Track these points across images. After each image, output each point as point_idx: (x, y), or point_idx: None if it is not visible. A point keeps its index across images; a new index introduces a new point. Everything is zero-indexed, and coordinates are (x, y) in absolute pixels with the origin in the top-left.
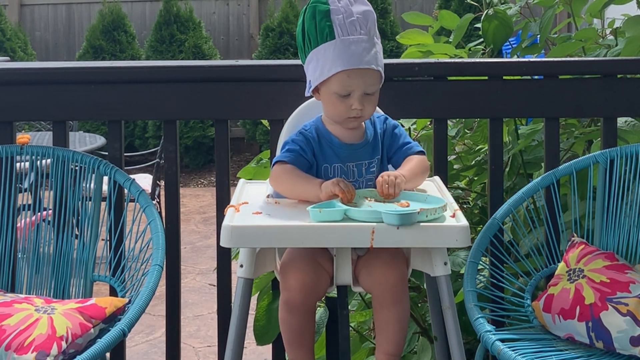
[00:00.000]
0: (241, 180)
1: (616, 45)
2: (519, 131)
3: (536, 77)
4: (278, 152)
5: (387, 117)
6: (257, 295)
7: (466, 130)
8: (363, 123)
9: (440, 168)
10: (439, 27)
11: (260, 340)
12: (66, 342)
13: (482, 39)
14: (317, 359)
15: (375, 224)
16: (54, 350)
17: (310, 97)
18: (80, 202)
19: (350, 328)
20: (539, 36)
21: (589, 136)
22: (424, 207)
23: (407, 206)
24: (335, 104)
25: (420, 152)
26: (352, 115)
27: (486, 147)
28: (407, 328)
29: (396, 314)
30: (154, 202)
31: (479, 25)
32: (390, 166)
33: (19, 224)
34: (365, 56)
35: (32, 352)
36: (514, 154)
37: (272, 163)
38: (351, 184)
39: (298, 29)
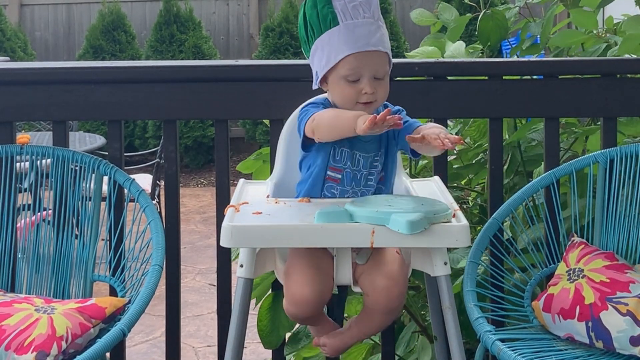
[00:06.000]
0: (241, 180)
1: (615, 45)
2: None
3: (536, 77)
4: (279, 151)
5: (388, 103)
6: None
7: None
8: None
9: (440, 168)
10: (441, 26)
11: (266, 343)
12: (66, 342)
13: None
14: (313, 357)
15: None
16: (54, 350)
17: (316, 92)
18: (80, 202)
19: None
20: (539, 36)
21: (588, 133)
22: (427, 212)
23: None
24: (344, 90)
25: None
26: (362, 101)
27: (485, 144)
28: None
29: (384, 320)
30: (154, 202)
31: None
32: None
33: (18, 224)
34: (372, 38)
35: (32, 352)
36: (513, 152)
37: (311, 114)
38: (354, 172)
39: (300, 21)
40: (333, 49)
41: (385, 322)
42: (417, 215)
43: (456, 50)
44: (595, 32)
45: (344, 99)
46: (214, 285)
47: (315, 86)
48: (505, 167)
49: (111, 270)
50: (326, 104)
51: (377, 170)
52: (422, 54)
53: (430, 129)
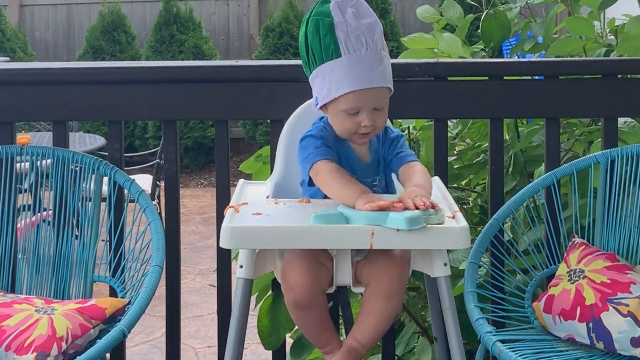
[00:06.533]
0: (241, 181)
1: (616, 45)
2: (519, 130)
3: (536, 77)
4: (279, 152)
5: (388, 127)
6: (256, 294)
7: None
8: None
9: (440, 168)
10: (444, 24)
11: (267, 343)
12: (66, 343)
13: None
14: (317, 359)
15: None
16: (54, 351)
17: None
18: (80, 203)
19: None
20: (541, 36)
21: (589, 136)
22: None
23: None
24: (344, 121)
25: (415, 160)
26: (361, 132)
27: (486, 144)
28: (386, 329)
29: (383, 308)
30: (154, 202)
31: (478, 24)
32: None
33: (19, 225)
34: (373, 74)
35: (32, 353)
36: (515, 154)
37: (313, 160)
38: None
39: (300, 41)
40: (334, 81)
41: (385, 314)
42: (414, 212)
43: (450, 46)
44: (597, 32)
45: (343, 130)
46: (214, 286)
47: (315, 109)
48: (510, 169)
49: (111, 271)
50: (325, 134)
51: (378, 192)
52: (418, 39)
53: (409, 188)
